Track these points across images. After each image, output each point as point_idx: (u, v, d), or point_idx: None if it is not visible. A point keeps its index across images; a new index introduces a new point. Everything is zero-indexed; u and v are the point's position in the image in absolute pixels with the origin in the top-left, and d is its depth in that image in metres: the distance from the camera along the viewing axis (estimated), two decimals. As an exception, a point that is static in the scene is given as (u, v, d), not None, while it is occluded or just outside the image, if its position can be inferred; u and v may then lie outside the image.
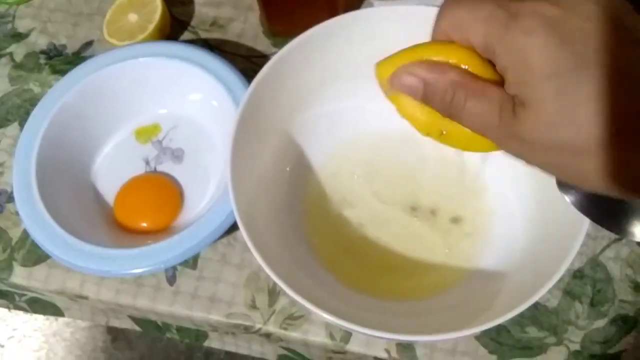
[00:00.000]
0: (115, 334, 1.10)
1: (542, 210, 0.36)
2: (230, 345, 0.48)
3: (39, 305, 0.49)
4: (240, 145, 0.36)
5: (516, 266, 0.36)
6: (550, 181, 0.35)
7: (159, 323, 0.47)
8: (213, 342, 0.48)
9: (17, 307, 0.51)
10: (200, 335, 0.47)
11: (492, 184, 0.40)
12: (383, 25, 0.38)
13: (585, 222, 0.31)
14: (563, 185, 0.32)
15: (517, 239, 0.37)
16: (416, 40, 0.39)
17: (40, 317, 1.11)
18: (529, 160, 0.23)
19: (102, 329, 1.10)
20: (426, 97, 0.25)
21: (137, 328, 0.49)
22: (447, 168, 0.41)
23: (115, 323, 0.50)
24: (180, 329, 0.47)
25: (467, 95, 0.23)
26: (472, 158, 0.41)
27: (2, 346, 1.12)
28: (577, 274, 0.39)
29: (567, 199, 0.31)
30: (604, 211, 0.31)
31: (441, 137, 0.27)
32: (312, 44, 0.38)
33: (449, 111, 0.24)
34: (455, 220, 0.40)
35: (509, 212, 0.38)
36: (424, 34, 0.39)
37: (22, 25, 0.52)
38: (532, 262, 0.35)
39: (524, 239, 0.36)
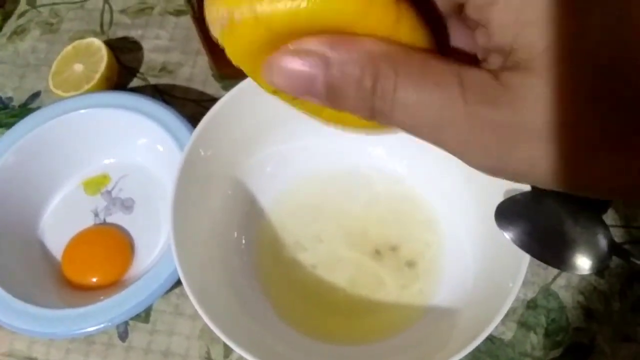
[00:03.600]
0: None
1: (489, 244, 0.36)
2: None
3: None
4: (185, 194, 0.35)
5: (468, 301, 0.35)
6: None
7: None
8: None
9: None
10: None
11: (444, 218, 0.40)
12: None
13: (526, 257, 0.31)
14: (502, 221, 0.32)
15: (468, 274, 0.37)
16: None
17: None
18: (506, 160, 0.15)
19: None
20: (331, 90, 0.16)
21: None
22: (398, 204, 0.41)
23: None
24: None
25: (398, 75, 0.15)
26: (422, 190, 0.41)
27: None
28: (530, 304, 0.39)
29: (507, 235, 0.31)
30: (545, 245, 0.31)
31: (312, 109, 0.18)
32: (251, 91, 0.38)
33: (371, 104, 0.16)
34: (409, 259, 0.39)
35: (460, 247, 0.38)
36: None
37: (-33, 79, 0.51)
38: (482, 296, 0.35)
39: (473, 273, 0.36)
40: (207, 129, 0.37)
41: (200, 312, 0.32)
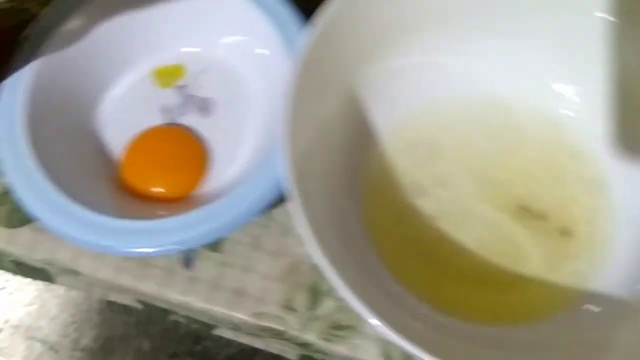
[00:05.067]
0: (112, 295, 1.04)
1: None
2: (244, 337, 0.41)
3: (26, 269, 0.42)
4: (297, 98, 0.27)
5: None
6: None
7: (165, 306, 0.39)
8: (224, 332, 0.41)
9: (3, 268, 0.43)
10: (210, 324, 0.40)
11: (615, 180, 0.31)
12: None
13: None
14: None
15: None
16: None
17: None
18: None
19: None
20: None
21: (140, 306, 0.41)
22: (553, 151, 0.32)
23: (116, 298, 0.43)
24: (188, 316, 0.39)
25: None
26: (590, 140, 0.32)
27: (-7, 297, 1.06)
28: None
29: None
30: None
31: None
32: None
33: None
34: (564, 226, 0.31)
35: (637, 221, 0.29)
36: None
37: None
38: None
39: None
40: (327, 25, 0.28)
41: (303, 225, 0.24)
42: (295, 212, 0.24)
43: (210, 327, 0.40)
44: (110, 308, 1.15)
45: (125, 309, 1.18)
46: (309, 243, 0.24)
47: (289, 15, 0.33)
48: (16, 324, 0.86)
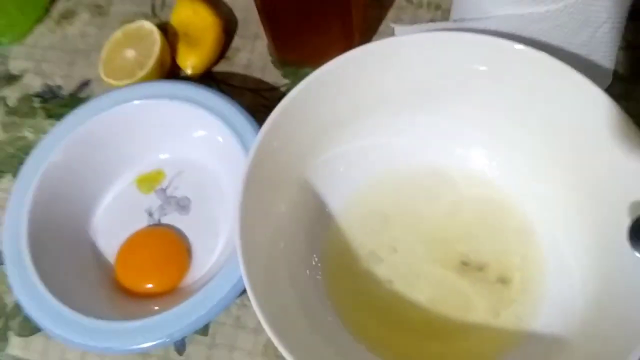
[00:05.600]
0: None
1: (607, 264, 0.30)
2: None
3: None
4: (251, 198, 0.31)
5: (576, 332, 0.30)
6: (614, 230, 0.30)
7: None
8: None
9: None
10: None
11: (540, 228, 0.35)
12: (406, 56, 0.34)
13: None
14: (637, 240, 0.27)
15: (576, 296, 0.32)
16: (443, 70, 0.34)
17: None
18: None
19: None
20: None
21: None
22: (486, 210, 0.36)
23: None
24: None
25: None
26: (514, 195, 0.36)
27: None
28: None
29: (642, 259, 0.26)
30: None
31: None
32: (326, 81, 0.34)
33: None
34: (502, 275, 0.35)
35: (563, 263, 0.33)
36: (451, 62, 0.34)
37: (15, 66, 0.49)
38: (596, 327, 0.29)
39: (584, 297, 0.31)
40: (275, 125, 0.33)
41: (267, 328, 0.28)
42: (254, 307, 0.29)
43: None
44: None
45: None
46: (270, 335, 0.28)
47: (240, 118, 0.38)
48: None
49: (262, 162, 0.33)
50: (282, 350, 0.28)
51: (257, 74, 0.45)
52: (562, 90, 0.32)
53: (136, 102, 0.40)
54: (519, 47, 0.31)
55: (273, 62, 0.46)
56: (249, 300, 0.37)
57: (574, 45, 0.35)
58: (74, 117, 0.40)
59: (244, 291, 0.35)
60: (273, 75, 0.45)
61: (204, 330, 0.37)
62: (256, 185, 0.32)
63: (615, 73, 0.40)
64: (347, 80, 0.34)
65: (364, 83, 0.35)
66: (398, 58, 0.34)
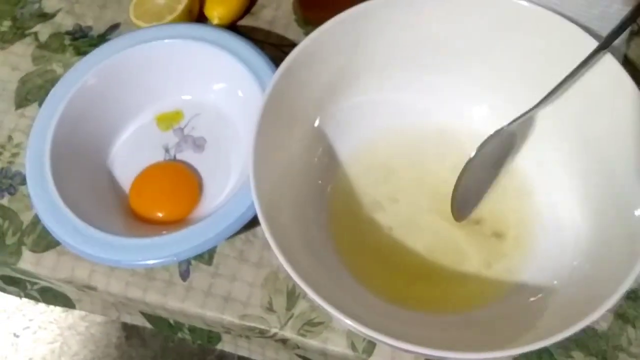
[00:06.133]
0: (129, 331, 1.08)
1: (599, 223, 0.32)
2: (243, 349, 0.46)
3: (50, 295, 0.47)
4: (265, 134, 0.33)
5: (564, 283, 0.32)
6: (613, 190, 0.31)
7: (171, 322, 0.45)
8: (226, 345, 0.46)
9: (28, 296, 0.49)
10: (213, 337, 0.45)
11: (540, 189, 0.36)
12: (424, 12, 0.35)
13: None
14: None
15: (566, 252, 0.33)
16: (460, 30, 0.35)
17: (56, 309, 1.11)
18: None
19: (117, 326, 1.09)
20: None
21: (149, 325, 0.46)
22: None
23: (127, 319, 0.48)
24: (192, 329, 0.45)
25: None
26: (521, 160, 0.37)
27: (17, 336, 1.12)
28: (631, 295, 0.35)
29: None
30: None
31: None
32: (345, 28, 0.36)
33: None
34: (497, 230, 0.36)
35: (558, 223, 0.35)
36: (469, 22, 0.36)
37: (49, 5, 0.51)
38: (583, 279, 0.31)
39: (573, 253, 0.32)
40: (291, 69, 0.35)
41: (274, 246, 0.29)
42: (267, 235, 0.30)
43: (214, 340, 0.45)
44: (128, 343, 1.20)
45: (142, 342, 1.23)
46: (281, 261, 0.30)
47: (261, 63, 0.40)
48: (40, 362, 0.90)
49: (277, 102, 0.34)
50: (288, 269, 0.29)
51: (280, 31, 0.47)
52: (570, 53, 0.33)
53: (163, 41, 0.42)
54: (529, 5, 0.33)
55: (297, 20, 0.47)
56: (253, 236, 0.39)
57: (585, 18, 0.37)
58: (101, 52, 0.42)
59: (250, 226, 0.37)
60: (296, 33, 0.47)
61: (209, 260, 0.39)
62: (270, 123, 0.34)
63: (625, 57, 0.41)
64: (362, 32, 0.36)
65: (378, 36, 0.37)
66: (413, 13, 0.35)
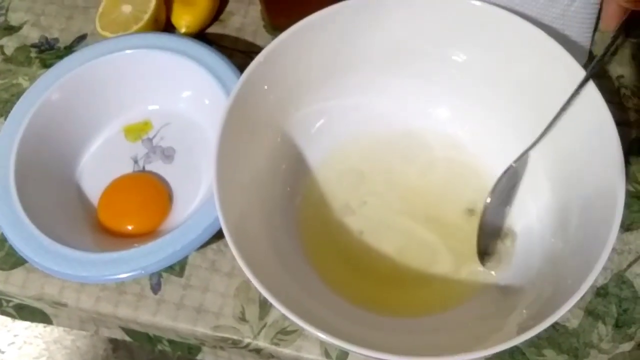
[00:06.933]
0: (116, 344, 1.07)
1: (564, 223, 0.32)
2: (223, 359, 0.45)
3: (27, 312, 0.47)
4: (229, 142, 0.33)
5: (532, 281, 0.32)
6: (579, 191, 0.31)
7: (150, 334, 0.44)
8: (206, 356, 0.45)
9: (5, 313, 0.48)
10: (192, 348, 0.44)
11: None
12: (391, 14, 0.35)
13: (613, 235, 0.27)
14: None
15: (534, 252, 0.33)
16: (423, 33, 0.36)
17: (41, 324, 1.09)
18: None
19: (103, 338, 1.08)
20: None
21: (128, 338, 0.46)
22: (456, 171, 0.38)
23: (106, 333, 0.47)
24: (171, 342, 0.44)
25: None
26: (486, 161, 0.37)
27: (3, 352, 1.10)
28: (600, 292, 0.35)
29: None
30: None
31: None
32: (311, 33, 0.35)
33: None
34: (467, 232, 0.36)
35: (527, 224, 0.35)
36: (431, 25, 0.36)
37: (14, 18, 0.50)
38: (550, 276, 0.31)
39: (541, 253, 0.33)
40: (255, 75, 0.35)
41: (240, 261, 0.29)
42: (232, 249, 0.30)
43: (195, 351, 0.45)
44: (115, 355, 1.18)
45: (129, 355, 1.22)
46: (247, 274, 0.29)
47: (227, 70, 0.40)
48: (27, 378, 0.88)
49: (242, 108, 0.34)
50: (255, 282, 0.29)
51: (249, 38, 0.47)
52: (533, 55, 0.33)
53: (128, 51, 0.41)
54: (489, 7, 0.33)
55: (265, 26, 0.47)
56: (225, 246, 0.39)
57: (548, 18, 0.37)
58: (66, 63, 0.42)
59: (221, 236, 0.37)
60: (264, 39, 0.47)
61: (180, 272, 0.38)
62: (235, 130, 0.33)
63: (591, 53, 0.41)
64: (329, 35, 0.36)
65: (345, 40, 0.36)
66: (379, 16, 0.35)
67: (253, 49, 0.47)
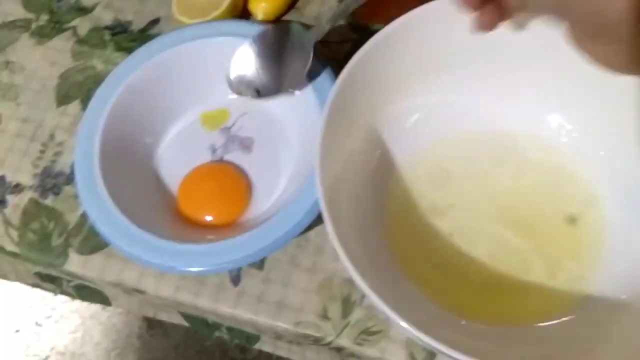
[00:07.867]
0: (151, 322, 1.08)
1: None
2: (282, 349, 0.45)
3: (86, 293, 0.47)
4: (329, 136, 0.32)
5: (636, 297, 0.31)
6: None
7: (209, 321, 0.44)
8: (265, 345, 0.45)
9: (65, 293, 0.49)
10: (251, 337, 0.44)
11: (606, 199, 0.35)
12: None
13: None
14: None
15: (636, 263, 0.32)
16: (523, 30, 0.34)
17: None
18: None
19: (139, 316, 1.09)
20: None
21: (186, 324, 0.46)
22: (552, 176, 0.36)
23: (164, 317, 0.47)
24: (230, 329, 0.44)
25: None
26: (585, 167, 0.36)
27: (40, 325, 1.12)
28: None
29: None
30: None
31: None
32: (407, 31, 0.34)
33: None
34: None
35: (626, 233, 0.33)
36: (531, 22, 0.34)
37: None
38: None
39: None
40: (351, 75, 0.34)
41: (342, 255, 0.28)
42: (329, 232, 0.29)
43: (253, 340, 0.45)
44: (150, 333, 1.20)
45: (164, 332, 1.23)
46: (342, 259, 0.29)
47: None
48: (62, 351, 0.93)
49: (341, 104, 0.33)
50: (354, 274, 0.28)
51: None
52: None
53: (210, 39, 0.41)
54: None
55: (343, 16, 0.46)
56: (305, 241, 0.38)
57: None
58: (145, 51, 0.41)
59: (300, 233, 0.36)
60: (342, 29, 0.46)
61: (260, 265, 0.38)
62: (334, 125, 0.33)
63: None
64: (422, 35, 0.35)
65: (439, 38, 0.35)
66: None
67: (330, 38, 0.45)
